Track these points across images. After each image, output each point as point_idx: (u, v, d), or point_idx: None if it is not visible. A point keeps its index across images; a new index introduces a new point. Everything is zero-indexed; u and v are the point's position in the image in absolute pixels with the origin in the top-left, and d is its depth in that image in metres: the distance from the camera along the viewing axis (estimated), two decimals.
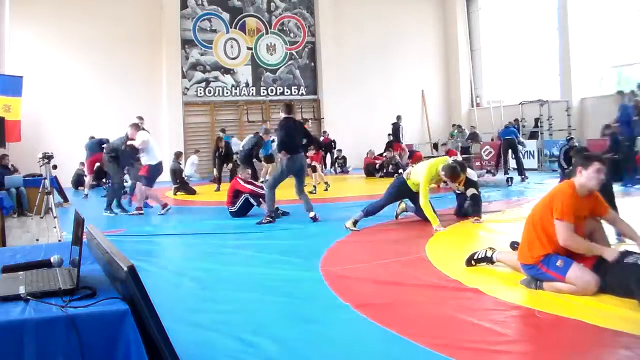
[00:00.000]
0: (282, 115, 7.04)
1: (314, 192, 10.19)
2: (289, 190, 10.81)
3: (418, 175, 6.15)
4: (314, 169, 10.75)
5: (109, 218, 7.95)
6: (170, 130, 15.49)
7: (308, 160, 10.68)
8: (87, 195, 11.47)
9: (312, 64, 17.70)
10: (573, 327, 2.88)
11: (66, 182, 12.16)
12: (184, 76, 16.16)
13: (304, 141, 7.17)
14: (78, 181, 13.52)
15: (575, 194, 3.43)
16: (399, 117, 14.77)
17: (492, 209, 7.22)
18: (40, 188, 7.16)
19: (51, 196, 6.93)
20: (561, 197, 3.41)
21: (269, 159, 12.17)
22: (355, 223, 6.10)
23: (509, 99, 16.60)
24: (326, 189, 10.74)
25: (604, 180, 3.52)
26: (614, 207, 4.37)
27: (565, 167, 11.49)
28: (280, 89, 17.28)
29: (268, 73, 17.19)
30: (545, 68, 16.05)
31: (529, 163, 13.63)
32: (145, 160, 8.07)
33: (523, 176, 11.37)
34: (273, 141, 11.09)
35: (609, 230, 3.87)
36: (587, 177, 3.41)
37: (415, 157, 16.46)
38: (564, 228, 3.34)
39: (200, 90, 16.36)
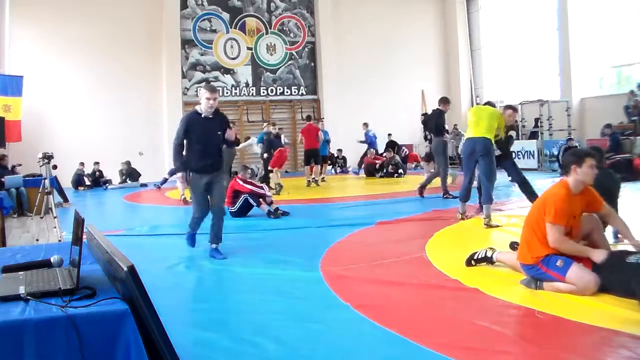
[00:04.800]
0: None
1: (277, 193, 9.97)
2: (288, 190, 10.87)
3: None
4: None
5: (107, 218, 7.95)
6: (170, 130, 15.46)
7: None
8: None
9: (312, 64, 17.70)
10: (573, 327, 2.88)
11: (66, 182, 12.16)
12: (184, 76, 16.17)
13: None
14: (78, 181, 13.52)
15: (568, 195, 3.46)
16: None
17: (492, 208, 7.21)
18: (40, 188, 7.15)
19: (51, 196, 6.93)
20: (554, 201, 3.44)
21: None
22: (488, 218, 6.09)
23: (509, 99, 16.59)
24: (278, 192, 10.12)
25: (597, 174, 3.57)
26: (615, 207, 4.37)
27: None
28: (280, 89, 17.28)
29: (268, 73, 17.19)
30: (545, 68, 16.05)
31: (529, 163, 13.64)
32: None
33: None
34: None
35: (607, 231, 3.89)
36: (582, 174, 3.47)
37: (411, 158, 16.53)
38: (553, 231, 3.40)
39: (200, 90, 16.34)
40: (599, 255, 3.32)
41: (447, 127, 9.50)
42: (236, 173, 8.22)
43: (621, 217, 3.79)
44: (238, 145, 5.43)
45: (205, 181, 4.90)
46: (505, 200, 8.17)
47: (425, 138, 11.75)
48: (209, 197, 5.01)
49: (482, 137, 6.16)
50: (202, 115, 4.84)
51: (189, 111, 5.05)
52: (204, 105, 4.82)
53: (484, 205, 6.11)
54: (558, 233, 3.39)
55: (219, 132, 4.90)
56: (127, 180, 14.14)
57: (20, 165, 11.28)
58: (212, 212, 5.05)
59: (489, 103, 7.36)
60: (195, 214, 5.09)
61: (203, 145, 4.83)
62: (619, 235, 4.33)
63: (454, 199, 7.67)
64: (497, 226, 5.95)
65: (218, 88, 16.53)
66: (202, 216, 5.08)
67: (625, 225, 3.65)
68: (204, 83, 16.33)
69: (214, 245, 5.02)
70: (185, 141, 4.91)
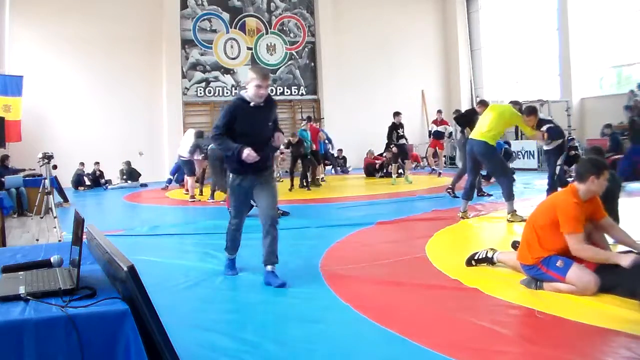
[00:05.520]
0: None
1: None
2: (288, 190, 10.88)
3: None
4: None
5: (107, 218, 7.95)
6: (170, 130, 15.50)
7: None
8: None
9: (312, 64, 17.70)
10: (573, 327, 2.88)
11: (66, 182, 12.16)
12: (184, 76, 16.16)
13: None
14: (78, 181, 13.53)
15: (579, 203, 3.44)
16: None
17: (491, 208, 7.22)
18: (40, 188, 7.15)
19: (51, 196, 6.93)
20: (566, 211, 3.41)
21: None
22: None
23: (509, 99, 16.57)
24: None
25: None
26: (616, 211, 4.35)
27: (562, 165, 11.49)
28: (280, 89, 17.28)
29: None
30: (545, 68, 16.04)
31: (529, 163, 13.64)
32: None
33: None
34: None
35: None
36: (598, 185, 3.47)
37: (411, 157, 16.52)
38: (575, 240, 3.36)
39: (200, 90, 16.36)
40: (626, 260, 3.21)
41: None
42: None
43: (620, 227, 3.74)
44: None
45: (250, 183, 4.02)
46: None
47: (398, 137, 11.67)
48: (256, 204, 4.14)
49: (478, 140, 6.22)
50: (251, 104, 3.93)
51: (235, 98, 4.09)
52: (253, 92, 3.89)
53: (506, 202, 6.27)
54: (579, 242, 3.36)
55: (269, 124, 4.03)
56: (127, 180, 14.15)
57: (33, 170, 10.18)
58: (262, 224, 3.99)
59: (514, 102, 7.20)
60: (233, 218, 4.18)
61: (250, 139, 3.87)
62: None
63: (455, 199, 7.68)
64: (522, 220, 5.90)
65: (218, 88, 16.63)
66: (240, 221, 4.19)
67: (625, 233, 3.61)
68: (204, 83, 16.37)
69: (269, 268, 3.99)
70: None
